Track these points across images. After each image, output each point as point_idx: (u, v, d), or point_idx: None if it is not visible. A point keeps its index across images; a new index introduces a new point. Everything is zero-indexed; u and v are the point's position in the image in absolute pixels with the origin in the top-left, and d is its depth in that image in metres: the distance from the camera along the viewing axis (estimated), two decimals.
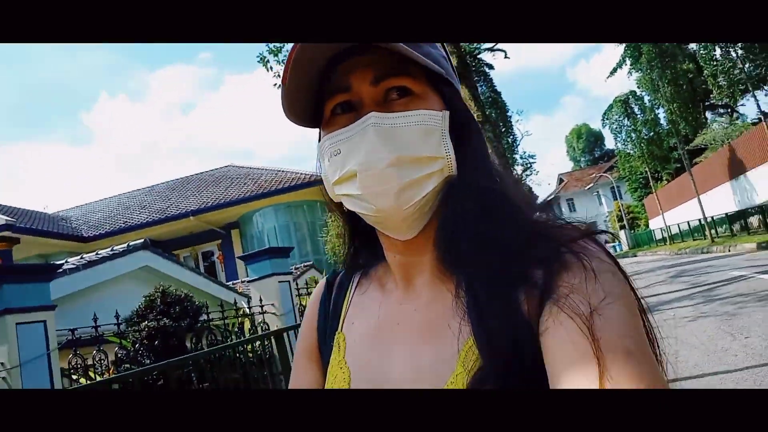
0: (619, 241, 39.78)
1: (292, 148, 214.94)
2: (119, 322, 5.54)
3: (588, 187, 47.12)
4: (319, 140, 0.67)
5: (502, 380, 0.50)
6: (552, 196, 49.69)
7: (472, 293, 0.56)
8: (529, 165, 31.50)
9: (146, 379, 4.89)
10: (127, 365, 5.43)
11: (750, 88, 16.99)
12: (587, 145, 60.40)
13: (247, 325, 7.16)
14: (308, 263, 13.09)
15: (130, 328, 5.74)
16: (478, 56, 18.31)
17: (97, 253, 6.99)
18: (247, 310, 7.47)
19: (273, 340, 6.41)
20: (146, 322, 5.73)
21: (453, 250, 0.60)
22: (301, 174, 18.67)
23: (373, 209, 0.60)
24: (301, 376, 0.72)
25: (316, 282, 9.92)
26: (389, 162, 0.57)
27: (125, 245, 7.24)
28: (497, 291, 0.55)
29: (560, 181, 52.10)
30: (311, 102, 0.64)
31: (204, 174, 22.95)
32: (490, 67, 19.81)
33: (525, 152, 38.69)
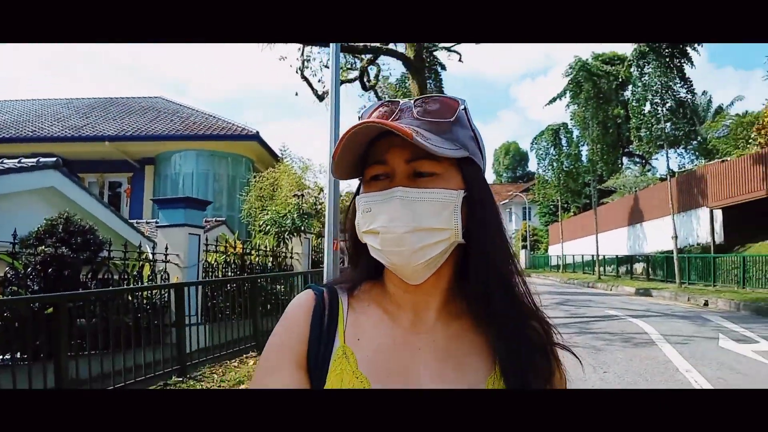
0: (518, 260, 41.89)
1: (229, 96, 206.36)
2: (15, 241, 5.30)
3: (503, 202, 49.06)
4: (357, 192, 0.81)
5: None
6: None
7: (504, 341, 0.77)
8: None
9: (32, 306, 4.74)
10: (14, 288, 5.22)
11: (665, 146, 18.50)
12: (512, 162, 62.72)
13: (146, 270, 7.03)
14: (221, 219, 12.81)
15: (25, 250, 5.50)
16: (434, 53, 18.51)
17: (2, 162, 6.56)
18: (150, 256, 7.32)
19: (173, 292, 6.37)
20: (43, 247, 5.51)
21: (486, 307, 0.78)
22: (234, 125, 18.11)
23: (388, 262, 0.75)
24: (288, 381, 0.76)
25: (227, 240, 9.80)
26: (406, 230, 0.72)
27: (35, 160, 6.83)
28: (520, 346, 0.77)
29: None
30: (356, 166, 0.79)
31: (130, 99, 21.67)
32: (443, 67, 20.09)
33: None
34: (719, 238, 18.66)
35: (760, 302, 11.61)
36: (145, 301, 6.24)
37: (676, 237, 17.63)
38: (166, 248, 7.13)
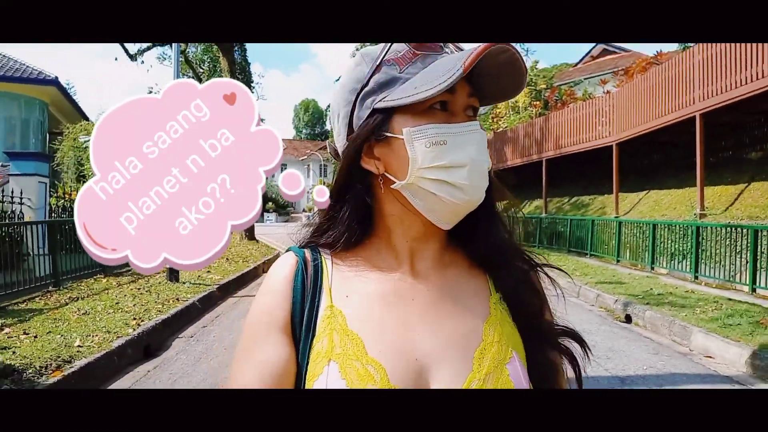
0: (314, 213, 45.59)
1: None
2: None
3: (302, 158, 52.00)
4: (378, 128, 0.71)
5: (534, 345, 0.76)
6: None
7: (503, 284, 0.77)
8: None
9: None
10: None
11: None
12: (311, 119, 65.06)
13: None
14: None
15: None
16: None
17: None
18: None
19: (39, 227, 8.09)
20: None
21: (481, 249, 0.77)
22: (28, 67, 17.84)
23: (464, 199, 0.68)
24: (272, 349, 0.71)
25: (62, 186, 11.14)
26: (489, 164, 0.71)
27: None
28: (518, 285, 0.77)
29: None
30: None
31: None
32: None
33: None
34: None
35: None
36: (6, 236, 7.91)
37: None
38: (21, 193, 8.71)
